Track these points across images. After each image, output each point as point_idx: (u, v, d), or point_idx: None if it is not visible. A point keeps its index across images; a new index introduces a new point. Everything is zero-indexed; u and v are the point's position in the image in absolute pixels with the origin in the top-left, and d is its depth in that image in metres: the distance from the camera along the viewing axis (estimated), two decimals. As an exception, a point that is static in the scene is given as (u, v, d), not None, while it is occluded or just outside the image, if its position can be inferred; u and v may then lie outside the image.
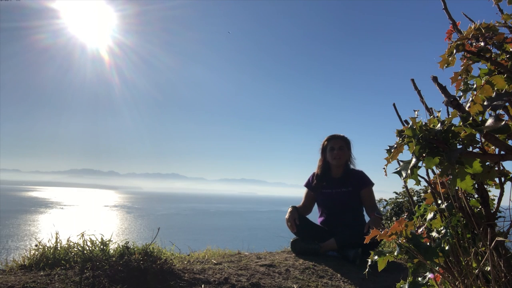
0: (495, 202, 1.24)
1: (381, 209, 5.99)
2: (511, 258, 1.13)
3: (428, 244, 1.13)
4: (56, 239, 2.48)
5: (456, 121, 1.06)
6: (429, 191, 1.36)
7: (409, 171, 1.06)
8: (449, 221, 1.22)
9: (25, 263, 2.34)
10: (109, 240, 2.51)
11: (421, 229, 1.26)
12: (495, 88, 1.06)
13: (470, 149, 1.06)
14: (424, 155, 1.06)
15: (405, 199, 5.88)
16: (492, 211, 1.22)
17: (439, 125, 1.06)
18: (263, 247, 3.72)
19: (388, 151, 1.16)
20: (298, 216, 3.45)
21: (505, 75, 1.11)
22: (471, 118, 0.99)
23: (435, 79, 1.11)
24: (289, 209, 3.52)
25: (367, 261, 1.22)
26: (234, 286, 2.25)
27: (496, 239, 1.07)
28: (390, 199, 6.09)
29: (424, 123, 1.08)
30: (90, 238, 2.49)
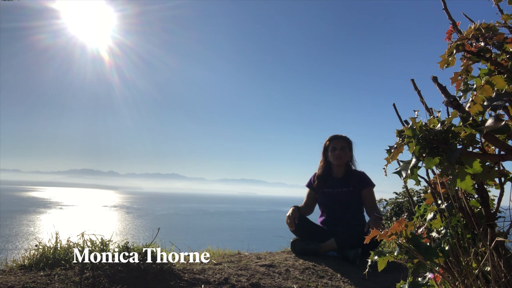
0: (495, 202, 1.24)
1: (381, 209, 6.00)
2: (511, 258, 1.12)
3: (428, 244, 1.13)
4: (56, 239, 2.48)
5: (456, 121, 1.06)
6: (429, 191, 1.35)
7: (409, 171, 1.06)
8: (449, 221, 1.22)
9: (25, 263, 2.34)
10: (109, 240, 2.51)
11: (421, 229, 1.26)
12: (495, 88, 1.06)
13: (470, 149, 1.06)
14: (424, 155, 1.06)
15: (405, 199, 5.88)
16: (492, 211, 1.22)
17: (439, 125, 1.06)
18: (263, 247, 3.72)
19: (388, 151, 1.16)
20: (298, 216, 3.48)
21: (505, 75, 1.11)
22: (471, 118, 0.99)
23: (435, 79, 1.11)
24: (291, 208, 3.56)
25: (367, 261, 1.22)
26: (234, 286, 2.25)
27: (496, 239, 1.07)
28: (390, 199, 6.10)
29: (424, 123, 1.08)
30: (90, 238, 2.48)
